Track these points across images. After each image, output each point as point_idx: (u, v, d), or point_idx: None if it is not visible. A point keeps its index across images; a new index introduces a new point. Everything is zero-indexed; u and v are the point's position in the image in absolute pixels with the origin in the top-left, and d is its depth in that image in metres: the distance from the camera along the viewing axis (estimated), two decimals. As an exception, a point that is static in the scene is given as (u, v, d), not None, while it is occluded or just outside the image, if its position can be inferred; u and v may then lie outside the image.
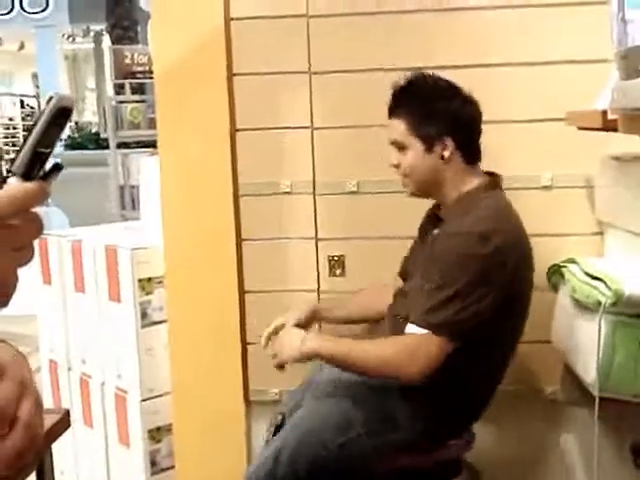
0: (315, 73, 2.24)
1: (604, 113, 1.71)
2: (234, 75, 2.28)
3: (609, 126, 1.70)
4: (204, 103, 2.36)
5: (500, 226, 1.78)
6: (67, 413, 1.67)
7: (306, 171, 2.27)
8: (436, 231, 1.92)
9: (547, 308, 2.09)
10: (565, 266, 2.07)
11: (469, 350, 1.78)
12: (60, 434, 1.61)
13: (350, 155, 2.26)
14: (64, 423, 1.64)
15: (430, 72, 1.88)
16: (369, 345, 1.83)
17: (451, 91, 1.86)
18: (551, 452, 2.29)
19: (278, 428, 2.02)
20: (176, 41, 2.33)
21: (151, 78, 2.64)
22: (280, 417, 2.04)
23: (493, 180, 1.90)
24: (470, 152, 1.88)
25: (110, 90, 7.86)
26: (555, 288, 2.12)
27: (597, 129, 1.81)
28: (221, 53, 2.27)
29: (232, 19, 2.28)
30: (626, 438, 2.02)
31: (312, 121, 2.25)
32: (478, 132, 1.89)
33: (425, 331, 1.73)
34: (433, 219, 1.98)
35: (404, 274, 2.10)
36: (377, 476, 1.89)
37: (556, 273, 2.11)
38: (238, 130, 2.29)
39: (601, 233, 2.19)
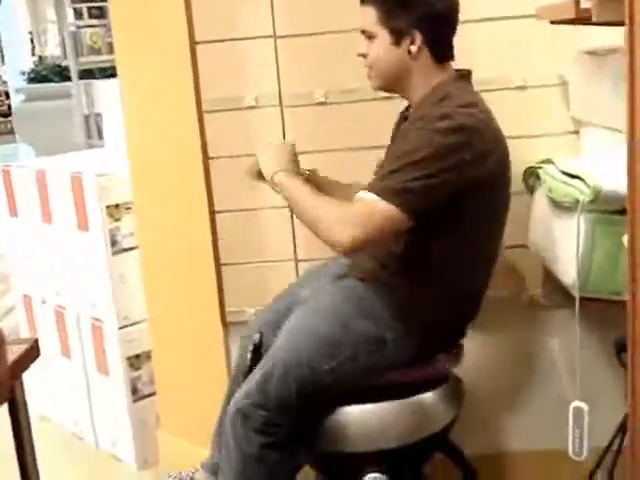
0: (274, -22, 2.13)
1: (577, 2, 1.63)
2: (190, -15, 2.17)
3: (583, 16, 1.62)
4: (160, 18, 2.26)
5: (469, 110, 1.71)
6: (36, 342, 1.62)
7: (271, 83, 2.18)
8: (404, 125, 1.86)
9: (523, 211, 2.05)
10: (541, 167, 2.02)
11: (449, 255, 1.77)
12: (30, 364, 1.56)
13: (316, 64, 2.17)
14: (33, 352, 1.59)
15: None
16: (323, 200, 1.75)
17: None
18: (534, 356, 2.29)
19: (257, 348, 1.99)
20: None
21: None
22: (258, 336, 2.00)
23: (464, 73, 1.84)
24: (440, 49, 1.80)
25: (71, 18, 7.66)
26: (531, 191, 2.08)
27: (570, 22, 1.73)
28: (175, -38, 2.15)
29: None
30: (608, 337, 2.01)
31: (274, 29, 2.15)
32: (451, 29, 1.80)
33: (373, 196, 1.65)
34: (403, 119, 1.92)
35: None
36: (366, 392, 1.86)
37: (532, 175, 2.07)
38: (197, 43, 2.18)
39: (577, 132, 2.13)
